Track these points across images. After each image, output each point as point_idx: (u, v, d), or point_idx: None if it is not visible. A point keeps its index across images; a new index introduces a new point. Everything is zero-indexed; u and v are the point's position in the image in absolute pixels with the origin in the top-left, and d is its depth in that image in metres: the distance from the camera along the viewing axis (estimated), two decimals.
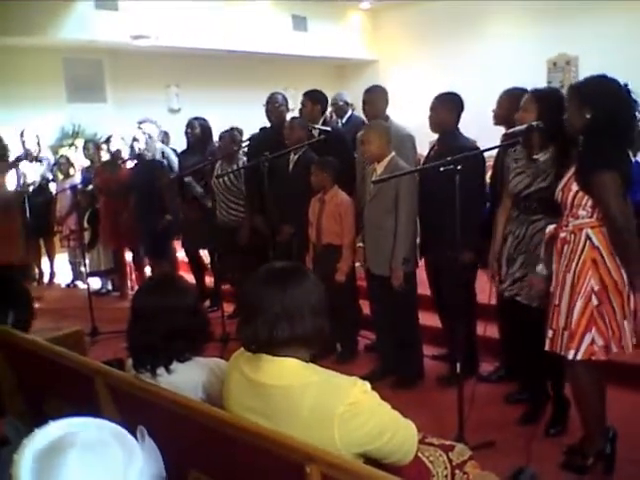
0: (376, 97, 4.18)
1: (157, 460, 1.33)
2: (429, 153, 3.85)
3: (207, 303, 5.47)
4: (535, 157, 2.97)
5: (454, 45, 10.17)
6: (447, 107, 3.64)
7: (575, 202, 2.55)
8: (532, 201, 2.98)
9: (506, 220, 3.14)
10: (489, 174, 3.84)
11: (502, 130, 3.53)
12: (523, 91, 3.11)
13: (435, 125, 3.69)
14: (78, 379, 2.11)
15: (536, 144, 2.95)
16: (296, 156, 4.41)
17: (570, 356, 2.57)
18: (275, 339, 1.62)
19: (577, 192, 2.54)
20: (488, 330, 3.53)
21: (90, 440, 1.15)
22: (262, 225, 4.58)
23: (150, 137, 5.62)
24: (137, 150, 5.51)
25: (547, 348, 2.67)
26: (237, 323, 1.74)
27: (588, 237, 2.53)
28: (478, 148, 3.44)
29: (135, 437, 1.26)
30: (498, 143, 3.36)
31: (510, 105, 3.22)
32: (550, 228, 2.73)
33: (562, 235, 2.62)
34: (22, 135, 6.79)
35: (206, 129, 5.50)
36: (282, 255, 4.23)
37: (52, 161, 7.29)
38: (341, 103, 5.93)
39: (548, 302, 2.71)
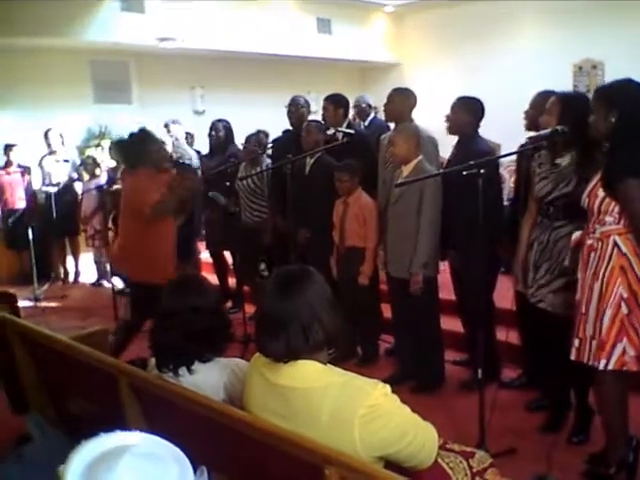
0: (392, 99, 4.13)
1: None
2: (450, 157, 3.83)
3: (229, 304, 5.50)
4: (557, 162, 2.93)
5: (478, 49, 10.08)
6: (466, 111, 3.62)
7: (602, 208, 2.50)
8: (555, 206, 2.94)
9: (532, 225, 3.11)
10: (513, 179, 3.80)
11: (525, 134, 3.50)
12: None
13: (452, 126, 3.69)
14: (102, 378, 2.14)
15: (559, 148, 2.92)
16: (312, 159, 4.40)
17: (601, 366, 2.51)
18: (311, 345, 1.62)
19: (604, 198, 2.49)
20: (510, 336, 3.50)
21: (146, 451, 1.15)
22: (282, 225, 4.59)
23: (177, 139, 5.65)
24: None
25: (573, 358, 2.61)
26: (257, 339, 1.71)
27: (616, 244, 2.48)
28: (495, 151, 3.40)
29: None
30: (520, 147, 3.33)
31: (544, 107, 3.17)
32: (576, 235, 2.69)
33: (589, 242, 2.57)
34: (47, 135, 6.90)
35: (229, 132, 5.52)
36: (300, 258, 4.23)
37: (78, 161, 7.39)
38: (364, 105, 5.93)
39: (574, 311, 2.68)
